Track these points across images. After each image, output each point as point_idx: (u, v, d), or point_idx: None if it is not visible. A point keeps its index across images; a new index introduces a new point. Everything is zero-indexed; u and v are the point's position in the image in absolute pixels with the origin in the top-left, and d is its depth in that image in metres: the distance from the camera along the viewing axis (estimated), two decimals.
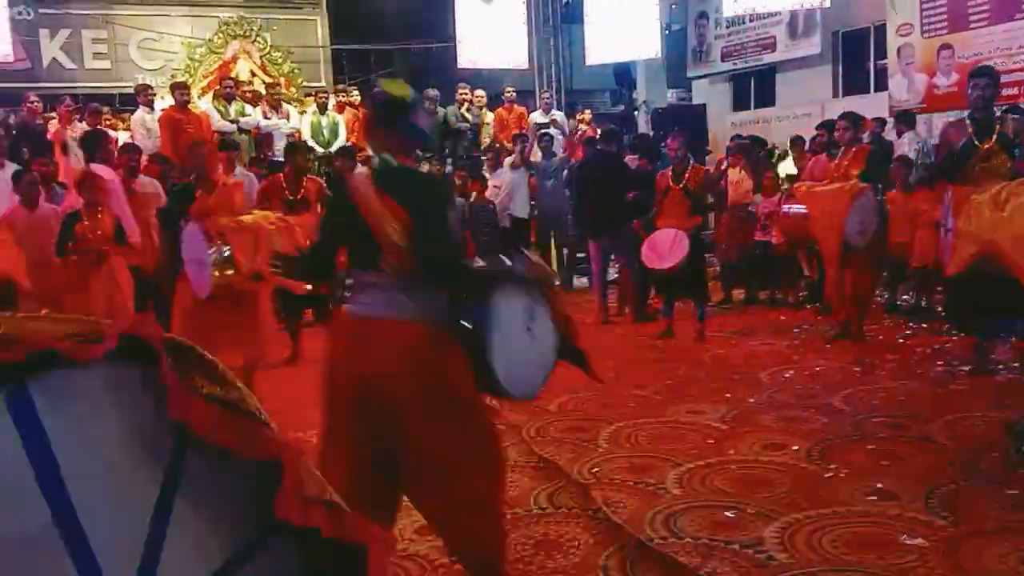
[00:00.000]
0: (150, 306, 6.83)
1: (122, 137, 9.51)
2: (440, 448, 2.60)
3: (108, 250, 6.07)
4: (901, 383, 5.55)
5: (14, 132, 9.63)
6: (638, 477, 4.05)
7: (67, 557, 1.36)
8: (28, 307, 5.60)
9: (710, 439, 4.58)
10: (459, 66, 12.67)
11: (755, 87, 14.22)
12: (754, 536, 3.35)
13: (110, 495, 1.42)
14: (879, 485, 3.79)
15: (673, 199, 7.18)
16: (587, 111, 12.61)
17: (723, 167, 9.28)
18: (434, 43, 13.75)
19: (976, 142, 5.46)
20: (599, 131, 9.86)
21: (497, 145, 11.18)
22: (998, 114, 5.67)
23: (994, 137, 5.46)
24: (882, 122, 9.82)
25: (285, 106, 10.93)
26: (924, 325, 7.24)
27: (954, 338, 6.45)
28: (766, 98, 13.87)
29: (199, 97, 11.15)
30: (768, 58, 13.43)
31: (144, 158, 8.14)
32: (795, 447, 4.36)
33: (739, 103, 14.55)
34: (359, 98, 11.31)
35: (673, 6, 14.31)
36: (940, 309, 7.09)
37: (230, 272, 5.29)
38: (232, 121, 10.29)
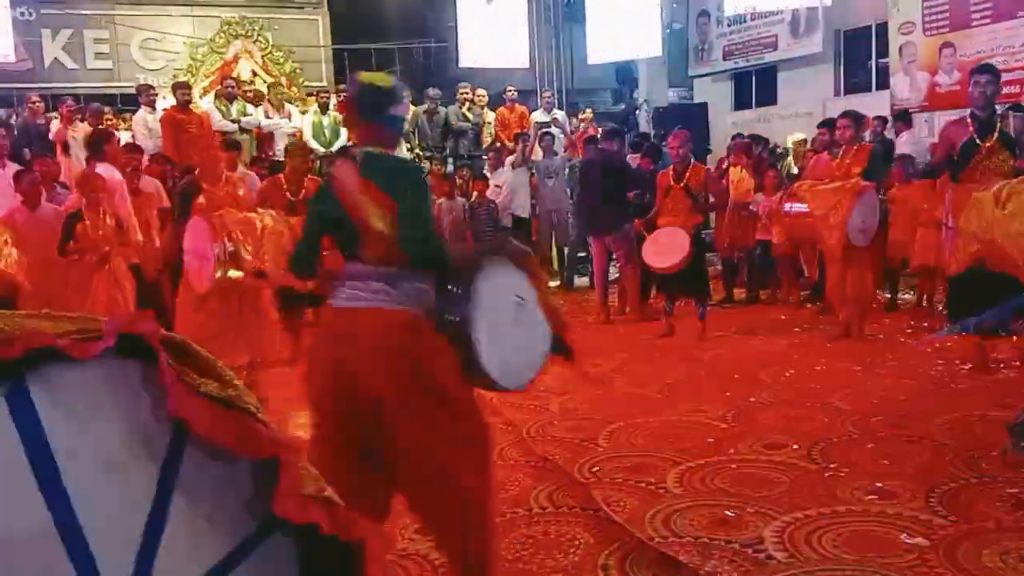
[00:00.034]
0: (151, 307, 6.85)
1: (124, 137, 9.52)
2: (425, 440, 2.57)
3: (109, 250, 6.08)
4: (902, 382, 5.54)
5: (16, 132, 9.65)
6: (638, 476, 4.05)
7: (63, 551, 1.37)
8: (30, 307, 5.61)
9: (710, 438, 4.58)
10: (460, 65, 12.68)
11: (756, 86, 14.21)
12: (754, 535, 3.35)
13: (107, 491, 1.43)
14: (879, 484, 3.79)
15: (674, 198, 7.17)
16: (588, 110, 12.62)
17: (724, 166, 9.30)
18: (435, 42, 13.75)
19: (978, 140, 5.46)
20: (600, 130, 9.87)
21: (498, 144, 11.20)
22: (999, 112, 5.66)
23: (995, 135, 5.46)
24: (884, 121, 9.81)
25: (287, 106, 10.95)
26: (925, 324, 7.23)
27: (954, 336, 6.45)
28: (768, 97, 13.85)
29: (201, 97, 11.16)
30: (769, 57, 13.42)
31: (145, 158, 8.16)
32: (795, 446, 4.36)
33: (740, 102, 14.54)
34: None
35: (674, 4, 14.30)
36: (941, 308, 7.08)
37: (234, 275, 5.31)
38: (233, 121, 10.31)
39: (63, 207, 6.53)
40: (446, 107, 11.56)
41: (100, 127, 8.84)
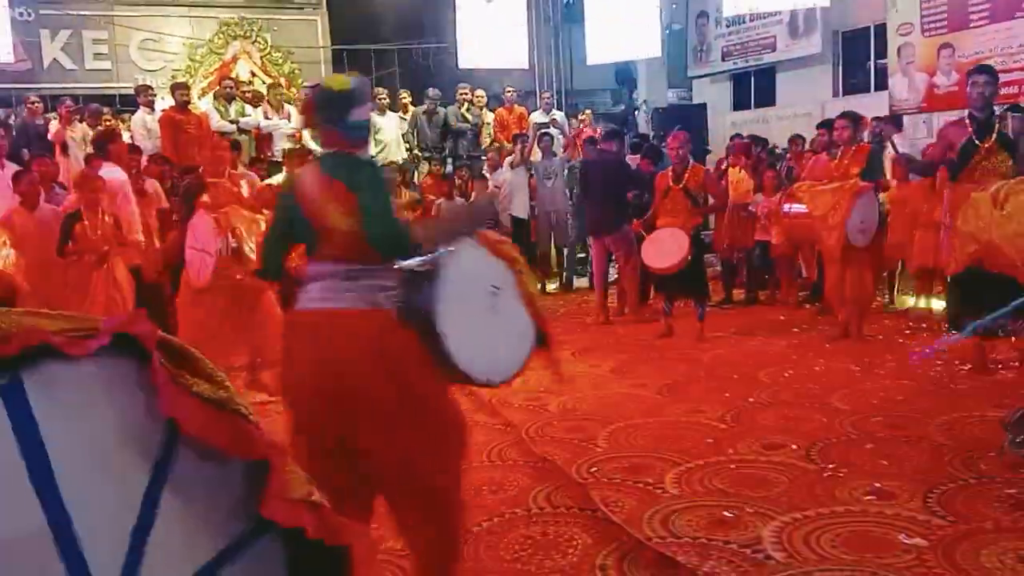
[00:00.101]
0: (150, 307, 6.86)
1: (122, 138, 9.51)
2: (397, 440, 2.54)
3: (108, 250, 6.09)
4: (900, 383, 5.54)
5: (14, 133, 9.64)
6: (637, 477, 4.05)
7: (53, 545, 1.37)
8: (28, 307, 5.61)
9: (709, 439, 4.58)
10: (459, 66, 12.68)
11: (755, 86, 14.21)
12: (752, 536, 3.35)
13: (98, 488, 1.44)
14: (877, 484, 3.79)
15: (673, 199, 7.17)
16: (587, 111, 12.62)
17: (723, 167, 9.31)
18: (435, 43, 13.75)
19: (976, 141, 5.46)
20: (599, 130, 9.87)
21: (497, 145, 11.20)
22: (998, 113, 5.66)
23: (994, 136, 5.47)
24: (887, 120, 9.80)
25: (286, 106, 10.95)
26: (924, 325, 7.24)
27: (953, 335, 6.45)
28: (766, 97, 13.86)
29: (199, 98, 11.16)
30: (768, 57, 13.42)
31: (144, 159, 8.16)
32: (794, 446, 4.36)
33: (739, 102, 14.54)
34: None
35: (674, 5, 14.29)
36: (940, 309, 7.08)
37: (239, 277, 5.32)
38: (232, 121, 10.30)
39: (61, 208, 6.53)
40: (445, 108, 11.56)
41: (106, 127, 8.85)
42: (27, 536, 1.36)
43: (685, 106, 14.60)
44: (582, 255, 10.85)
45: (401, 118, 11.54)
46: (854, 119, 6.86)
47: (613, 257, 8.51)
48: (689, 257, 6.86)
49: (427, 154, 11.21)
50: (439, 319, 2.53)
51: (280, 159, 8.86)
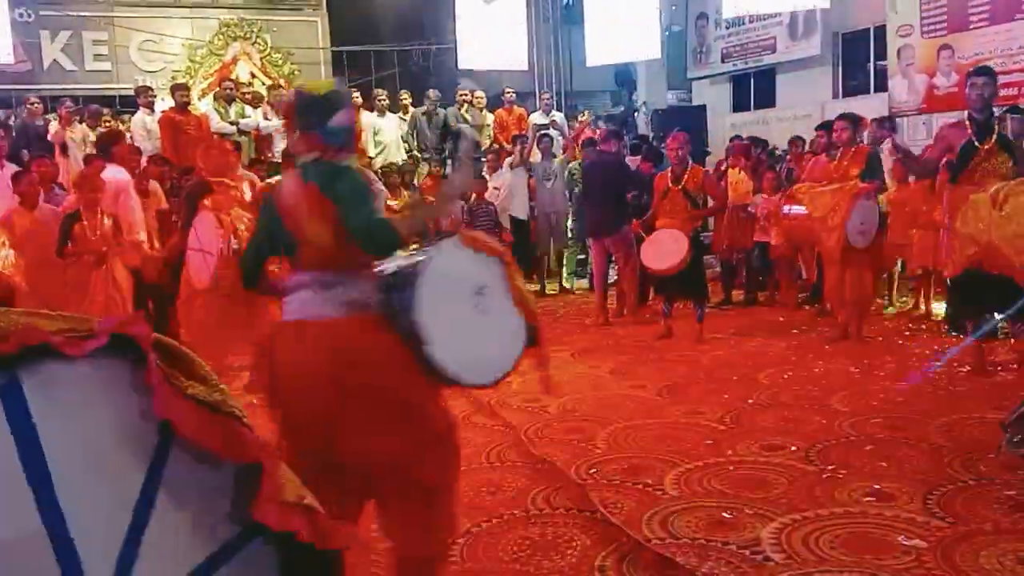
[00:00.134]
0: (149, 307, 6.86)
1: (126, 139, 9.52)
2: (377, 447, 2.52)
3: (107, 251, 6.08)
4: (900, 384, 5.54)
5: (14, 133, 9.65)
6: (636, 478, 4.05)
7: (47, 543, 1.38)
8: (27, 308, 5.61)
9: (708, 440, 4.58)
10: (459, 67, 12.68)
11: (755, 88, 14.21)
12: (751, 537, 3.35)
13: (93, 486, 1.44)
14: (877, 486, 3.79)
15: (672, 200, 7.17)
16: (587, 112, 12.62)
17: (723, 168, 9.31)
18: (434, 44, 13.75)
19: (976, 142, 5.46)
20: (598, 132, 9.87)
21: (497, 146, 11.20)
22: (997, 114, 5.66)
23: (994, 137, 5.46)
24: (882, 123, 9.81)
25: None
26: (923, 326, 7.24)
27: (952, 336, 6.45)
28: (766, 99, 13.85)
29: (199, 99, 11.17)
30: (768, 59, 13.42)
31: (144, 159, 8.17)
32: (793, 448, 4.36)
33: (739, 104, 14.54)
34: (360, 100, 11.33)
35: (673, 7, 14.30)
36: (940, 311, 7.09)
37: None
38: (232, 123, 10.31)
39: (61, 208, 6.53)
40: (445, 108, 11.56)
41: (110, 129, 8.86)
42: (23, 535, 1.36)
43: (685, 108, 14.60)
44: (582, 256, 10.85)
45: (401, 119, 11.54)
46: (853, 121, 6.86)
47: (613, 258, 8.50)
48: (688, 258, 6.86)
49: (427, 155, 11.20)
50: (421, 322, 2.51)
51: (280, 160, 8.85)
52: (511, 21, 12.99)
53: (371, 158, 10.65)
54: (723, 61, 14.25)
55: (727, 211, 8.82)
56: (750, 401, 5.30)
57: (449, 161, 11.21)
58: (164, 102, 10.38)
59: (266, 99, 10.98)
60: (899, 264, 7.99)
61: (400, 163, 10.71)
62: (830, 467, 4.07)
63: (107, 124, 10.03)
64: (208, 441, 1.51)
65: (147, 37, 12.31)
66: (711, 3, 13.90)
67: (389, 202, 9.14)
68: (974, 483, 3.78)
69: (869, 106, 10.57)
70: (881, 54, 11.88)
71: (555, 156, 10.52)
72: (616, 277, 8.80)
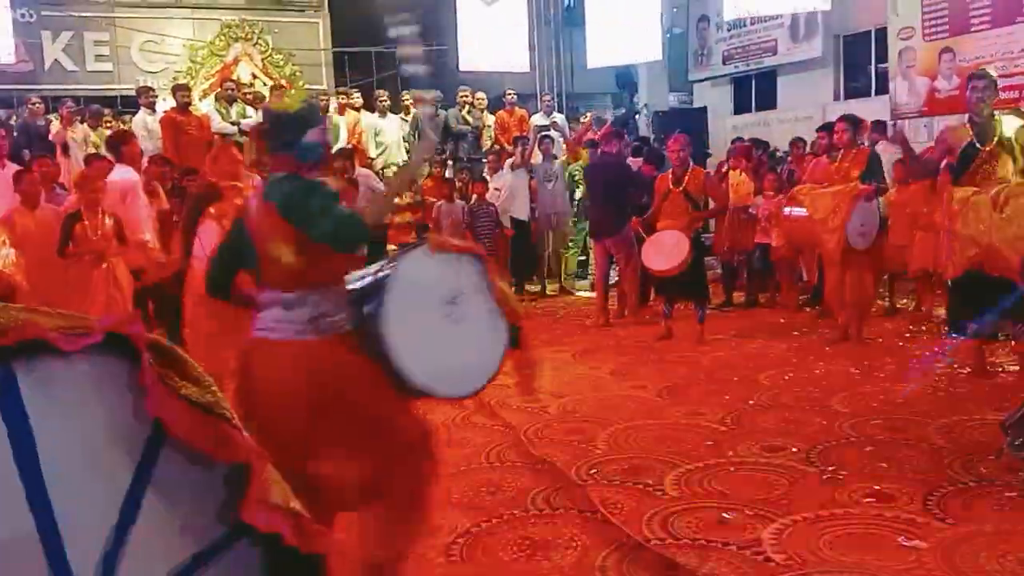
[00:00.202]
0: (149, 307, 6.86)
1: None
2: (349, 465, 2.52)
3: (108, 250, 6.08)
4: (900, 386, 5.53)
5: (15, 133, 9.66)
6: (636, 478, 4.05)
7: (34, 532, 1.39)
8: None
9: (709, 441, 4.57)
10: (460, 69, 12.69)
11: (756, 90, 14.21)
12: (752, 537, 3.35)
13: (83, 480, 1.45)
14: (877, 487, 3.79)
15: (673, 201, 7.17)
16: (588, 114, 12.62)
17: (724, 169, 9.31)
18: (435, 46, 13.76)
19: (977, 144, 5.45)
20: (599, 133, 9.87)
21: (498, 147, 11.20)
22: (997, 116, 5.66)
23: (995, 139, 5.46)
24: (884, 124, 9.81)
25: None
26: (924, 328, 7.23)
27: (953, 338, 6.44)
28: (767, 101, 13.86)
29: (200, 99, 11.18)
30: (769, 61, 13.43)
31: (145, 160, 8.16)
32: (794, 449, 4.36)
33: (740, 106, 14.55)
34: (360, 101, 11.35)
35: (674, 9, 14.31)
36: (940, 312, 7.08)
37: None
38: (233, 123, 10.30)
39: (62, 208, 6.53)
40: (446, 110, 11.56)
41: (119, 129, 8.86)
42: (15, 528, 1.37)
43: (686, 110, 14.61)
44: (582, 258, 10.85)
45: (402, 120, 11.55)
46: (854, 122, 6.86)
47: (614, 259, 8.50)
48: (689, 259, 6.86)
49: (428, 156, 11.19)
50: (389, 337, 2.50)
51: None
52: (512, 23, 13.00)
53: (372, 159, 10.66)
54: (724, 63, 14.26)
55: (728, 213, 8.82)
56: (751, 402, 5.30)
57: (450, 162, 11.23)
58: (165, 102, 10.39)
59: (267, 100, 10.98)
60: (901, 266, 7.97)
61: (401, 164, 10.71)
62: (830, 468, 4.07)
63: (108, 124, 10.05)
64: (199, 441, 1.52)
65: (148, 38, 12.32)
66: (712, 5, 13.90)
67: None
68: (974, 484, 3.77)
69: (870, 108, 10.58)
70: (882, 56, 11.89)
71: (556, 157, 10.52)
72: (617, 278, 8.80)
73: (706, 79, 14.88)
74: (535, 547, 3.37)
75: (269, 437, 2.51)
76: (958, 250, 5.25)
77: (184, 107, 9.86)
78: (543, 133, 10.84)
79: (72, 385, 1.46)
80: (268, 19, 12.82)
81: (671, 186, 7.20)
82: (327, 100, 11.15)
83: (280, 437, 2.47)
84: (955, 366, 5.81)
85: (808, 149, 9.29)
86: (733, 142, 10.62)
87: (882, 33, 11.75)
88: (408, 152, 11.25)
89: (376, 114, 11.23)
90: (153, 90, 10.55)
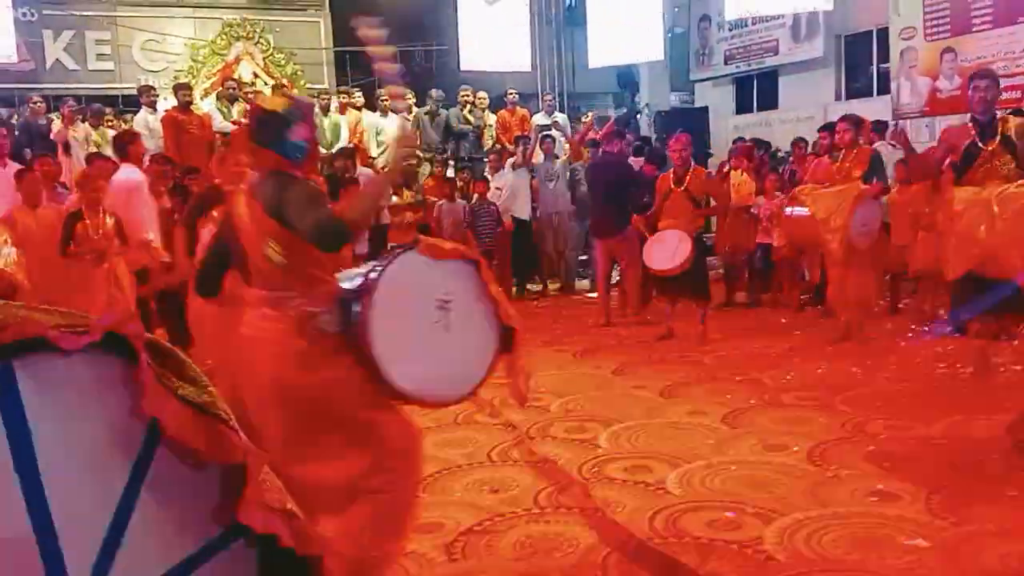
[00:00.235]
0: (151, 306, 6.86)
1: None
2: (334, 471, 2.50)
3: (109, 250, 6.08)
4: (903, 385, 5.54)
5: (17, 132, 9.66)
6: (638, 477, 4.05)
7: (30, 530, 1.39)
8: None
9: (710, 440, 4.57)
10: (462, 68, 12.68)
11: (758, 90, 14.21)
12: (754, 536, 3.35)
13: (79, 477, 1.46)
14: (880, 486, 3.79)
15: (674, 201, 7.17)
16: (590, 113, 12.62)
17: (725, 169, 9.30)
18: (437, 45, 13.75)
19: (980, 143, 5.45)
20: (600, 132, 9.87)
21: (499, 147, 11.20)
22: (999, 116, 5.65)
23: (997, 138, 5.45)
24: (884, 125, 9.80)
25: None
26: (926, 328, 7.22)
27: (955, 338, 6.43)
28: (769, 101, 13.85)
29: (202, 98, 11.17)
30: (771, 61, 13.43)
31: (146, 159, 8.16)
32: (795, 448, 4.36)
33: (742, 106, 14.54)
34: (362, 100, 11.35)
35: (676, 9, 14.30)
36: (942, 312, 7.07)
37: None
38: (235, 122, 10.30)
39: (63, 207, 6.53)
40: (447, 109, 11.57)
41: (125, 129, 8.87)
42: (8, 522, 1.37)
43: (687, 109, 14.60)
44: (584, 257, 10.85)
45: (404, 119, 11.52)
46: (855, 122, 6.85)
47: (616, 259, 8.49)
48: (691, 259, 6.86)
49: (429, 155, 11.20)
50: (373, 340, 2.47)
51: None
52: (513, 22, 12.99)
53: (373, 158, 10.66)
54: (726, 63, 14.25)
55: (730, 213, 8.82)
56: (752, 401, 5.30)
57: (451, 161, 11.23)
58: (167, 101, 10.39)
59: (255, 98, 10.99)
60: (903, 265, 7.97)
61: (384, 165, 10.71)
62: (832, 467, 4.07)
63: (109, 123, 10.06)
64: (194, 441, 1.52)
65: (150, 37, 12.31)
66: (714, 5, 13.90)
67: (393, 201, 9.15)
68: (977, 483, 3.77)
69: (872, 108, 10.57)
70: (884, 56, 11.89)
71: (557, 157, 10.52)
72: (619, 277, 8.79)
73: (708, 79, 14.87)
74: (537, 546, 3.37)
75: (254, 436, 2.52)
76: (959, 250, 5.24)
77: (185, 106, 9.87)
78: (544, 133, 10.84)
79: (71, 383, 1.46)
80: (269, 18, 12.80)
81: (672, 186, 7.20)
82: (328, 99, 11.14)
83: (264, 436, 2.47)
84: (958, 365, 5.80)
85: (810, 149, 9.29)
86: (735, 142, 10.61)
87: (884, 33, 11.75)
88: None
89: (378, 113, 11.23)
90: (154, 89, 10.55)
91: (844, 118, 6.91)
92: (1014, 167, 5.31)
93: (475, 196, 9.87)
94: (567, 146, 11.10)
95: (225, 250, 2.72)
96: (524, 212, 10.31)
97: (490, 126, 11.77)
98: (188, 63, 12.07)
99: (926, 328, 5.81)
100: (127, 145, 6.96)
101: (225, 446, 1.55)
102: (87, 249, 6.04)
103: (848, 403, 5.15)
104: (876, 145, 7.97)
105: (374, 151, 10.94)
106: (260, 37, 12.39)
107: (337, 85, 12.47)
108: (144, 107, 10.18)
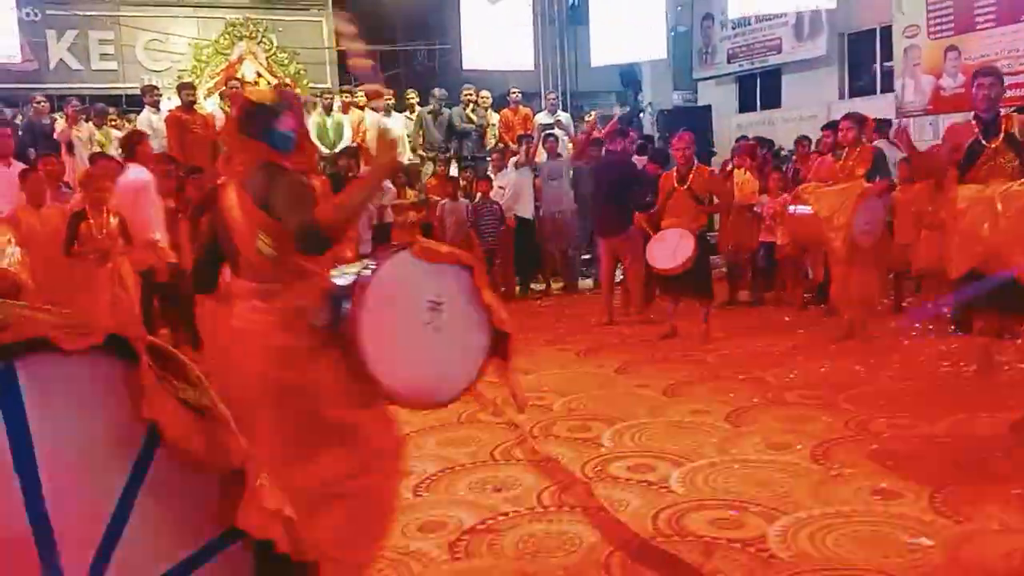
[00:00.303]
0: (155, 306, 6.87)
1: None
2: (316, 470, 2.48)
3: (113, 249, 6.09)
4: (906, 383, 5.53)
5: (21, 132, 9.68)
6: (641, 476, 4.05)
7: (28, 530, 1.39)
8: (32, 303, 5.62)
9: (713, 438, 4.57)
10: (464, 67, 12.69)
11: (761, 88, 14.20)
12: (757, 535, 3.34)
13: (77, 479, 1.46)
14: (883, 484, 3.78)
15: (677, 200, 7.16)
16: (593, 112, 12.62)
17: (729, 168, 9.30)
18: (439, 44, 13.77)
19: (983, 141, 5.44)
20: (603, 131, 9.87)
21: (502, 146, 11.20)
22: (1003, 114, 5.64)
23: (1001, 135, 5.44)
24: (888, 123, 9.78)
25: None
26: (930, 326, 7.22)
27: (959, 336, 6.43)
28: (772, 99, 13.85)
29: (205, 98, 11.20)
30: (774, 59, 13.42)
31: None
32: (799, 446, 4.35)
33: (745, 104, 14.54)
34: (365, 99, 11.35)
35: (679, 7, 14.30)
36: (945, 310, 7.06)
37: None
38: None
39: (67, 206, 6.54)
40: (450, 108, 11.57)
41: (133, 129, 8.89)
42: (6, 522, 1.38)
43: (690, 108, 14.59)
44: (586, 256, 10.84)
45: (407, 118, 11.55)
46: (859, 120, 6.84)
47: (620, 258, 8.49)
48: (694, 258, 6.85)
49: (431, 154, 11.21)
50: (361, 338, 2.45)
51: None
52: (516, 21, 13.00)
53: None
54: (729, 62, 14.25)
55: (733, 211, 8.81)
56: (755, 400, 5.29)
57: (454, 160, 11.23)
58: (170, 101, 10.41)
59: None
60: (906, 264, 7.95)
61: (406, 162, 10.71)
62: (836, 466, 4.06)
63: (113, 123, 10.09)
64: (193, 445, 1.52)
65: (153, 36, 12.33)
66: (717, 4, 13.89)
67: (396, 200, 9.16)
68: (981, 482, 3.76)
69: (875, 107, 10.56)
70: (887, 55, 11.87)
71: (560, 156, 10.52)
72: (622, 276, 8.79)
73: (710, 77, 14.87)
74: (540, 544, 3.37)
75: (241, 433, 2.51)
76: (962, 248, 5.23)
77: (189, 106, 9.89)
78: (547, 131, 10.83)
79: (72, 384, 1.46)
80: (272, 18, 12.83)
81: (675, 185, 7.20)
82: (331, 98, 11.16)
83: (248, 433, 2.46)
84: (961, 364, 5.79)
85: (813, 147, 9.28)
86: (738, 140, 10.60)
87: (887, 31, 11.73)
88: (414, 150, 11.25)
89: (380, 112, 11.23)
90: (158, 89, 10.58)
91: (847, 116, 6.90)
92: (1018, 164, 5.30)
93: (478, 195, 9.87)
94: (570, 145, 11.11)
95: (217, 244, 2.71)
96: (527, 211, 10.31)
97: (493, 125, 11.77)
98: (191, 63, 12.10)
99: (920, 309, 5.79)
100: (135, 145, 6.97)
101: (224, 450, 1.56)
102: (91, 249, 6.05)
103: (851, 401, 5.15)
104: (875, 143, 7.96)
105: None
106: (263, 37, 12.41)
107: (340, 84, 12.47)
108: (147, 107, 10.20)
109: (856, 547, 3.20)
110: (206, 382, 1.58)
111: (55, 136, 9.52)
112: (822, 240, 6.81)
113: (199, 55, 12.15)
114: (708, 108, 14.09)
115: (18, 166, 7.27)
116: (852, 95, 12.59)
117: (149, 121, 10.02)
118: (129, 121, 10.52)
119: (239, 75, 11.71)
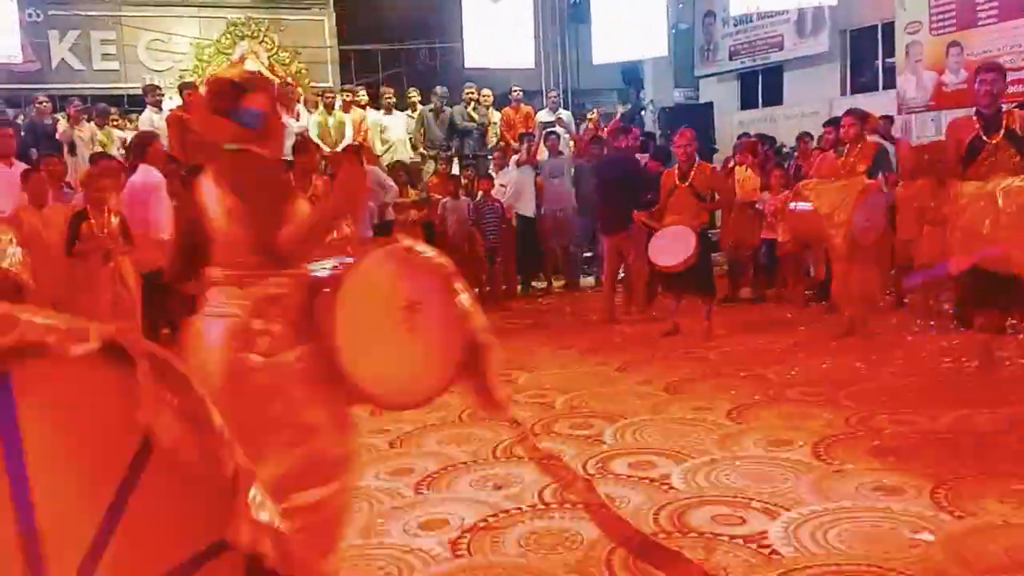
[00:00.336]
0: (157, 306, 6.87)
1: (130, 138, 9.55)
2: (267, 472, 2.33)
3: (115, 249, 6.10)
4: (908, 379, 5.53)
5: (23, 132, 9.70)
6: (643, 473, 4.05)
7: (14, 535, 1.39)
8: (35, 305, 5.62)
9: (715, 435, 4.57)
10: (466, 66, 12.69)
11: (763, 85, 14.18)
12: (759, 531, 3.35)
13: (67, 484, 1.46)
14: (885, 480, 3.78)
15: (679, 197, 7.16)
16: (595, 110, 12.62)
17: (730, 165, 9.30)
18: (441, 43, 13.76)
19: (984, 137, 5.43)
20: (606, 128, 9.88)
21: (503, 144, 11.20)
22: (1005, 110, 5.64)
23: (1002, 131, 5.44)
24: (890, 120, 9.78)
25: (296, 106, 10.96)
26: (932, 323, 7.21)
27: (960, 332, 6.43)
28: (774, 96, 13.84)
29: None
30: (776, 56, 13.40)
31: None
32: (800, 443, 4.35)
33: (747, 101, 14.52)
34: (366, 98, 11.36)
35: (680, 5, 14.28)
36: (947, 306, 7.06)
37: None
38: None
39: (69, 206, 6.55)
40: (451, 107, 11.57)
41: (143, 130, 8.90)
42: None
43: (692, 105, 14.57)
44: (588, 254, 10.84)
45: (409, 116, 11.56)
46: (860, 117, 6.83)
47: (624, 255, 8.48)
48: (695, 255, 6.85)
49: (433, 152, 11.22)
50: (335, 333, 2.41)
51: (291, 157, 8.87)
52: (517, 20, 12.97)
53: (378, 156, 10.67)
54: (730, 58, 14.23)
55: (734, 208, 8.81)
56: (757, 397, 5.29)
57: (456, 159, 11.23)
58: (172, 101, 10.41)
59: (279, 98, 10.99)
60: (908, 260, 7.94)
61: (407, 161, 10.72)
62: (837, 462, 4.06)
63: (115, 123, 10.09)
64: (186, 454, 1.51)
65: (155, 36, 12.34)
66: (718, 1, 13.88)
67: (398, 199, 9.16)
68: (983, 477, 3.76)
69: (877, 103, 10.53)
70: (889, 51, 11.85)
71: (562, 154, 10.52)
72: (624, 273, 8.79)
73: (712, 75, 14.85)
74: (542, 542, 3.37)
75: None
76: (964, 244, 5.23)
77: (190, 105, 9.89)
78: (549, 129, 10.83)
79: (66, 388, 1.45)
80: (274, 17, 12.84)
81: (677, 182, 7.20)
82: (333, 97, 11.16)
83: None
84: (962, 360, 5.79)
85: (815, 144, 9.28)
86: (739, 138, 10.60)
87: (889, 27, 11.71)
88: (415, 149, 11.25)
89: (382, 111, 11.24)
90: (159, 88, 10.59)
91: (849, 113, 6.90)
92: (1019, 160, 5.30)
93: (479, 193, 9.88)
94: (572, 143, 11.10)
95: (188, 233, 2.64)
96: (529, 209, 10.31)
97: (494, 123, 11.77)
98: (193, 62, 12.11)
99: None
100: (147, 146, 6.97)
101: (217, 461, 1.55)
102: (93, 248, 6.06)
103: (853, 398, 5.15)
104: (871, 138, 7.96)
105: (379, 149, 10.95)
106: (265, 36, 12.43)
107: (342, 83, 12.48)
108: (149, 107, 10.21)
109: (858, 543, 3.20)
110: (202, 390, 1.57)
111: (57, 136, 9.54)
112: (823, 237, 6.81)
113: (201, 55, 12.16)
114: (710, 105, 14.07)
115: (20, 166, 7.28)
116: (854, 91, 12.57)
117: (151, 121, 10.02)
118: (131, 121, 10.53)
119: None
